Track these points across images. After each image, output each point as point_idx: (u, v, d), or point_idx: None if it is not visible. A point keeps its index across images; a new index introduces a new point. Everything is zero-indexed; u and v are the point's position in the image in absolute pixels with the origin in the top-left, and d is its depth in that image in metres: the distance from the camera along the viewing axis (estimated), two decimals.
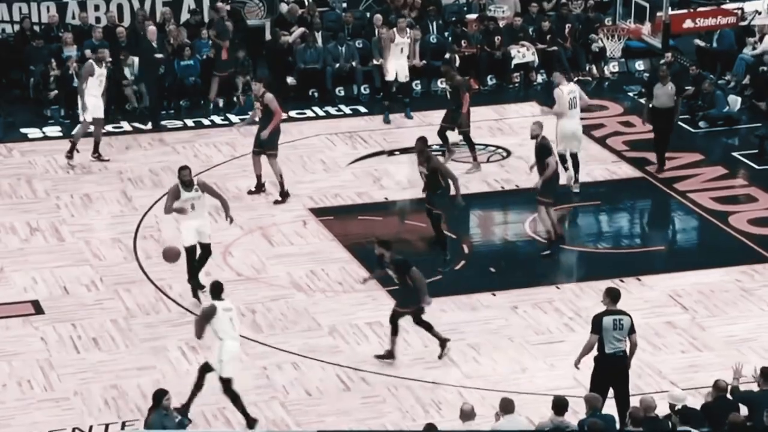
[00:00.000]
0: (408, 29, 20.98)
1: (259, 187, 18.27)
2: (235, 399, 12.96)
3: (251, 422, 12.98)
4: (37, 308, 15.36)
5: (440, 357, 14.19)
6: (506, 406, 11.73)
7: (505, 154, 20.01)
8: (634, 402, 12.07)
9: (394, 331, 14.08)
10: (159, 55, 20.90)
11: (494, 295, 15.67)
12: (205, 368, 13.02)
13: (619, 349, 12.47)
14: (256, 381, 13.87)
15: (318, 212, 17.91)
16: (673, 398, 11.92)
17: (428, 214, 16.62)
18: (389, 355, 14.12)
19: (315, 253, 16.72)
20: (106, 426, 13.12)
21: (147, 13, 22.57)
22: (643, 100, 20.16)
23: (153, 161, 19.53)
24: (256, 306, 15.38)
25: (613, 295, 12.70)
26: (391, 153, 19.93)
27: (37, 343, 14.62)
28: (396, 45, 20.54)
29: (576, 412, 12.41)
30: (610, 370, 12.49)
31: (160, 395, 11.95)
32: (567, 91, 18.25)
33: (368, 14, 23.78)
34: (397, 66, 20.76)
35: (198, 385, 13.05)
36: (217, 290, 12.99)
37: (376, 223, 17.64)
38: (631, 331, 12.55)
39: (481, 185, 18.86)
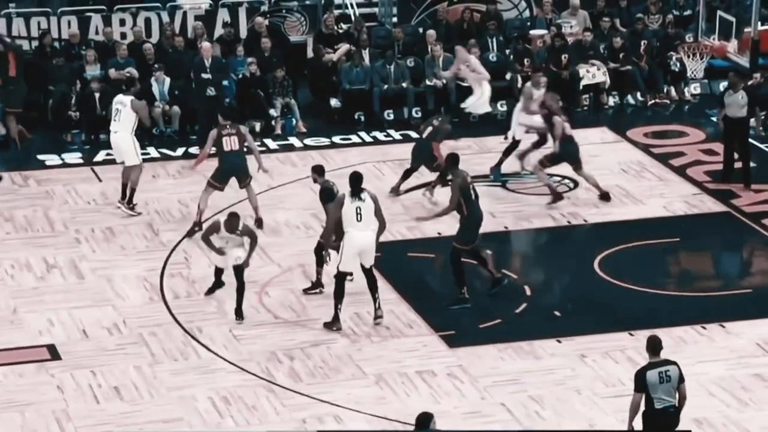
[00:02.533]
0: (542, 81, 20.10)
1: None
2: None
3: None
4: (53, 353, 15.48)
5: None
6: None
7: (572, 185, 19.99)
8: None
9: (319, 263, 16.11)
10: (207, 75, 21.10)
11: (559, 342, 15.62)
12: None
13: (670, 403, 12.41)
14: None
15: None
16: None
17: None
18: (315, 285, 15.88)
19: (360, 294, 16.75)
20: None
21: (176, 29, 22.82)
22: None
23: (182, 191, 19.67)
24: (295, 352, 15.43)
25: (653, 346, 12.61)
26: (445, 183, 19.95)
27: (53, 392, 14.73)
28: (534, 101, 19.88)
29: None
30: (663, 428, 12.42)
31: (426, 419, 11.87)
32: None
33: (420, 30, 23.90)
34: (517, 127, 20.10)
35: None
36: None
37: (429, 260, 17.65)
38: (680, 380, 12.49)
39: (546, 219, 18.84)
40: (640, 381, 12.40)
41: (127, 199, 18.81)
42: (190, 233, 18.14)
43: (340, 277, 15.75)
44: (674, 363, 12.53)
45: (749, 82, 20.41)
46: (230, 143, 18.03)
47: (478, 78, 20.91)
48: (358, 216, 15.56)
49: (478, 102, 20.91)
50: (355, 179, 15.67)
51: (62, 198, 19.55)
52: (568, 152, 19.09)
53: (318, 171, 16.74)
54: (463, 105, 21.12)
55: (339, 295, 15.79)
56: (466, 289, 16.28)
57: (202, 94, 21.15)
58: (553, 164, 19.28)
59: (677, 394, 12.45)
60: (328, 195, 16.22)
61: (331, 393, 14.65)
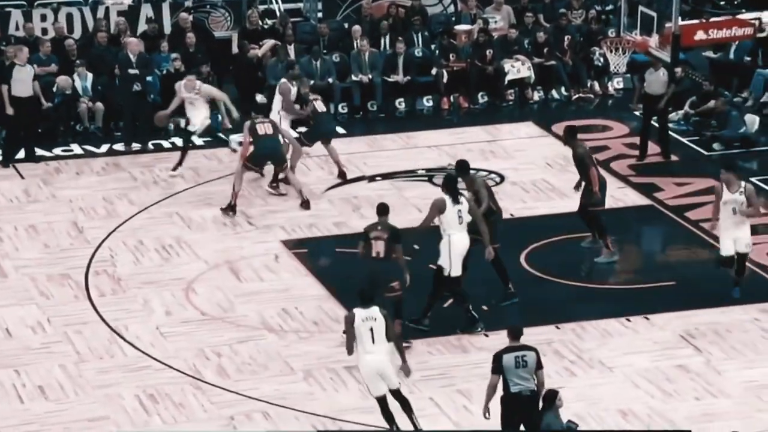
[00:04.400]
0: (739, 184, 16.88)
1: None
2: (404, 406, 13.41)
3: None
4: None
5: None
6: None
7: (498, 179, 20.08)
8: None
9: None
10: (134, 71, 20.91)
11: (486, 335, 15.69)
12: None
13: (526, 387, 12.65)
14: None
15: (291, 244, 17.92)
16: None
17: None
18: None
19: (288, 290, 16.72)
20: None
21: (114, 25, 22.57)
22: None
23: (107, 188, 19.53)
24: (222, 349, 15.36)
25: (514, 331, 12.90)
26: (372, 179, 19.98)
27: None
28: (726, 204, 16.64)
29: None
30: (518, 411, 12.67)
31: (552, 396, 12.23)
32: None
33: (346, 25, 23.88)
34: None
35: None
36: (364, 298, 13.30)
37: (356, 256, 17.63)
38: (538, 366, 12.73)
39: None
40: (497, 363, 12.67)
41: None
42: (227, 211, 18.43)
43: (456, 282, 15.66)
44: (533, 349, 12.81)
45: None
46: (264, 128, 18.61)
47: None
48: (460, 219, 15.56)
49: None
50: (454, 185, 15.65)
51: None
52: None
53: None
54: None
55: (464, 296, 15.74)
56: (511, 285, 16.37)
57: (127, 90, 20.97)
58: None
59: (535, 379, 12.67)
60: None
61: (260, 389, 14.61)
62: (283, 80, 19.95)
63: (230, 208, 18.62)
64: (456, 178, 16.04)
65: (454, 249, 15.63)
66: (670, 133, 20.93)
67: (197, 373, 14.70)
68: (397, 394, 13.41)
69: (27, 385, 14.64)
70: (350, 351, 13.35)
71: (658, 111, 20.47)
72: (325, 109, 19.95)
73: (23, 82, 20.19)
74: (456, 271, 15.66)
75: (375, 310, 13.22)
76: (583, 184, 17.39)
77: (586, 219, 17.50)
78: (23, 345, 15.41)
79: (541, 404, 12.49)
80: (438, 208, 15.63)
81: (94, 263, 17.35)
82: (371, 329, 13.13)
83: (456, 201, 15.61)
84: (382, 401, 13.34)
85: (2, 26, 22.66)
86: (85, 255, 17.54)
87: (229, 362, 15.14)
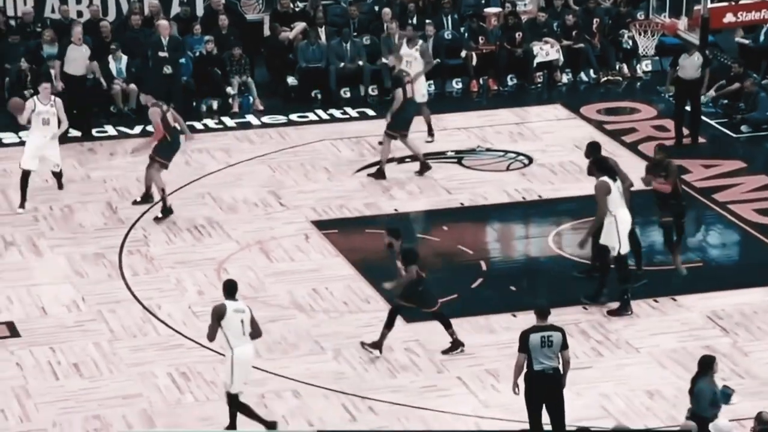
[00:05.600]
0: None
1: (146, 198, 18.20)
2: (245, 411, 13.15)
3: (270, 425, 13.25)
4: (12, 330, 15.38)
5: (445, 352, 14.69)
6: None
7: (527, 161, 20.03)
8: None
9: (389, 324, 14.67)
10: (164, 54, 20.91)
11: (515, 316, 15.67)
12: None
13: (549, 366, 12.64)
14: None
15: (321, 225, 17.93)
16: (717, 429, 11.92)
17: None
18: (376, 345, 14.68)
19: (318, 270, 16.73)
20: None
21: (148, 7, 22.61)
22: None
23: (141, 169, 19.55)
24: None
25: (540, 311, 12.87)
26: (401, 160, 19.95)
27: (12, 369, 14.64)
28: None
29: None
30: (541, 389, 12.67)
31: (709, 361, 12.28)
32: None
33: (376, 8, 23.82)
34: None
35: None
36: (230, 289, 13.14)
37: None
38: (563, 347, 12.70)
39: (501, 195, 18.87)
40: (523, 342, 12.65)
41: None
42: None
43: (623, 259, 15.53)
44: (560, 329, 12.81)
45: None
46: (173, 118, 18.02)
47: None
48: (621, 195, 15.53)
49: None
50: (606, 163, 15.61)
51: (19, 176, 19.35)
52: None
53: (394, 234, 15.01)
54: None
55: (627, 276, 15.59)
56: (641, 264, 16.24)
57: (159, 72, 20.99)
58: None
59: (560, 359, 12.67)
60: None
61: (290, 368, 14.63)
62: None
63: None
64: (605, 158, 15.93)
65: (621, 226, 15.49)
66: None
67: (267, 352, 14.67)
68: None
69: (62, 363, 14.72)
70: (212, 338, 13.17)
71: (692, 95, 20.24)
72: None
73: (76, 60, 20.28)
74: (624, 248, 15.50)
75: (242, 304, 13.11)
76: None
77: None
78: (58, 323, 15.48)
79: (697, 369, 12.46)
80: (605, 191, 15.47)
81: (128, 243, 17.41)
82: (242, 321, 13.02)
83: (614, 179, 15.58)
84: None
85: (38, 9, 22.73)
86: (118, 235, 17.60)
87: (259, 341, 15.08)
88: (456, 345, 14.83)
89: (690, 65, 20.11)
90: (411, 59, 20.21)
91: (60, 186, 18.68)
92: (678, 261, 16.57)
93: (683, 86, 20.29)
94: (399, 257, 14.63)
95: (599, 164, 15.80)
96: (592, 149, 16.42)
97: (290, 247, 17.32)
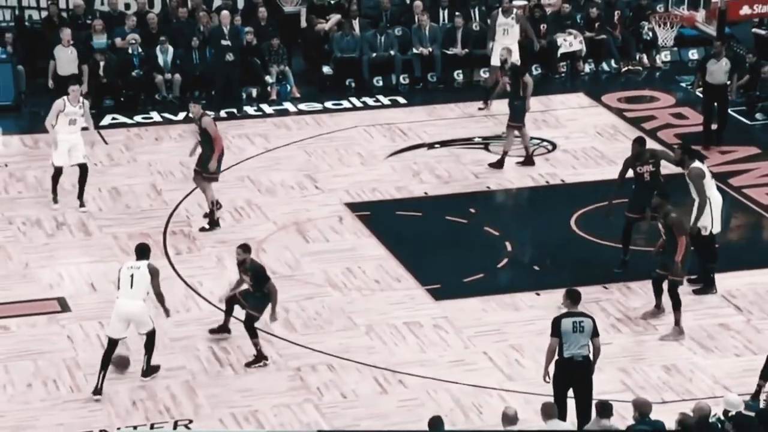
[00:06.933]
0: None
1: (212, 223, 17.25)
2: (105, 357, 13.69)
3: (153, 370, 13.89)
4: (63, 306, 15.53)
5: (248, 365, 14.11)
6: (548, 411, 11.76)
7: (550, 147, 20.01)
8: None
9: (253, 335, 14.18)
10: (226, 42, 20.95)
11: (538, 294, 15.69)
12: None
13: (579, 353, 12.49)
14: (290, 383, 13.97)
15: (354, 207, 17.98)
16: (728, 404, 11.90)
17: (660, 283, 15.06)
18: (257, 359, 14.14)
19: (351, 250, 16.79)
20: (134, 428, 13.26)
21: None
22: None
23: (184, 153, 19.64)
24: (290, 305, 15.48)
25: (572, 297, 12.72)
26: (431, 146, 19.97)
27: (63, 341, 14.78)
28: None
29: (623, 417, 12.42)
30: (569, 375, 12.52)
31: (436, 421, 11.73)
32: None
33: (408, 0, 23.81)
34: None
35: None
36: (140, 251, 13.87)
37: (416, 219, 17.69)
38: (594, 334, 12.55)
39: (526, 180, 18.87)
40: (556, 327, 12.51)
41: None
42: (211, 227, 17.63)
43: (712, 239, 15.34)
44: (590, 317, 12.64)
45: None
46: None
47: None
48: (712, 176, 15.61)
49: None
50: (691, 149, 15.51)
51: None
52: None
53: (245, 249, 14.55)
54: None
55: (714, 256, 15.49)
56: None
57: (221, 60, 21.03)
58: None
59: (591, 346, 12.52)
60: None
61: (324, 343, 14.71)
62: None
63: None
64: (688, 145, 15.90)
65: (715, 207, 15.42)
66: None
67: (266, 327, 14.83)
68: (150, 335, 13.88)
69: None
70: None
71: (720, 99, 19.71)
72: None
73: (64, 62, 20.46)
74: (717, 227, 15.36)
75: (143, 263, 13.76)
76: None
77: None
78: (106, 299, 15.57)
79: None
80: (701, 176, 15.35)
81: (172, 223, 17.51)
82: (131, 276, 13.63)
83: (702, 161, 15.51)
84: (112, 343, 13.74)
85: (89, 1, 22.82)
86: (163, 216, 17.70)
87: (296, 317, 15.26)
88: (259, 358, 14.16)
89: (718, 70, 19.59)
90: (508, 27, 20.79)
91: (81, 204, 17.82)
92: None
93: (712, 91, 19.71)
94: (247, 272, 14.20)
95: (689, 151, 15.48)
96: (641, 141, 16.23)
97: (325, 228, 17.39)
